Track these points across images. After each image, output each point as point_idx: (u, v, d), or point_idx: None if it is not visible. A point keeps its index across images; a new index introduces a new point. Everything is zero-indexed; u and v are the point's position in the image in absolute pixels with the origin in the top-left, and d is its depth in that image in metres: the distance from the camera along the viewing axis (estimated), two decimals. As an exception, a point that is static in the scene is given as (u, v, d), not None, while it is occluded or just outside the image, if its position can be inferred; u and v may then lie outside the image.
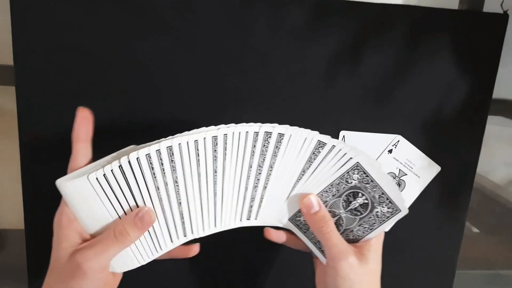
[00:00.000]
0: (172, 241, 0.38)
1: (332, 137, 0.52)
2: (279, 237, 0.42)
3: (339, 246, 0.37)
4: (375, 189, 0.37)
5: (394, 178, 0.55)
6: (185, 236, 0.38)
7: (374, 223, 0.38)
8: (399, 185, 0.55)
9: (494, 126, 0.60)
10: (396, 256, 0.57)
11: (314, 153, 0.37)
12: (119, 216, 0.36)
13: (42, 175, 0.49)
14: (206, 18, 0.48)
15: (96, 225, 0.35)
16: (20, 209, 0.50)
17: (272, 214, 0.40)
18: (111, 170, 0.34)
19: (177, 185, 0.35)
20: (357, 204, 0.38)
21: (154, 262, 0.38)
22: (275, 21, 0.49)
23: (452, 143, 0.55)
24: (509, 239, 0.78)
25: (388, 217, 0.38)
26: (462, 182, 0.56)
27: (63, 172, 0.49)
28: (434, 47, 0.51)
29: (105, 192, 0.34)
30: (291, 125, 0.51)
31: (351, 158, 0.36)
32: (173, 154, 0.34)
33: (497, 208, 0.81)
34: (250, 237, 0.50)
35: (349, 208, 0.38)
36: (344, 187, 0.37)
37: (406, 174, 0.55)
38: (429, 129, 0.54)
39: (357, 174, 0.37)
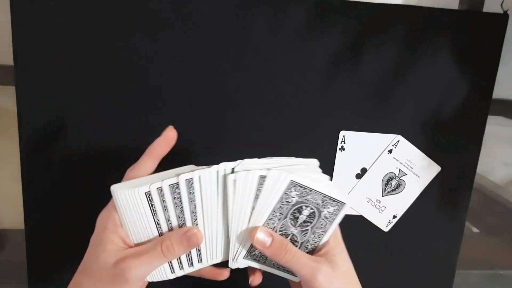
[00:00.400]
0: (212, 259, 0.39)
1: (332, 137, 0.53)
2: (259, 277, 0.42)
3: (308, 264, 0.36)
4: (316, 196, 0.37)
5: (394, 178, 0.55)
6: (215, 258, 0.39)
7: (325, 225, 0.38)
8: (399, 185, 0.55)
9: (494, 126, 0.60)
10: (396, 256, 0.57)
11: (258, 188, 0.36)
12: (162, 231, 0.36)
13: (42, 175, 0.49)
14: (206, 17, 0.48)
15: (140, 234, 0.36)
16: (20, 209, 0.50)
17: (226, 257, 0.39)
18: (163, 187, 0.35)
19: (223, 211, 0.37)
20: (304, 217, 0.38)
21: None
22: (275, 21, 0.49)
23: (452, 143, 0.55)
24: (509, 239, 0.78)
25: (336, 214, 0.38)
26: (462, 182, 0.56)
27: (63, 172, 0.49)
28: (434, 47, 0.51)
29: (155, 206, 0.35)
30: (291, 125, 0.52)
31: (283, 179, 0.36)
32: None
33: (497, 208, 0.81)
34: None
35: (298, 223, 0.38)
36: (286, 208, 0.37)
37: (406, 174, 0.55)
38: (429, 129, 0.54)
39: (295, 191, 0.36)
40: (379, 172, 0.54)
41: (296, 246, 0.38)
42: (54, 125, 0.48)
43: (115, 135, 0.49)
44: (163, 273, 0.38)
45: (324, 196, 0.37)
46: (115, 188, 0.35)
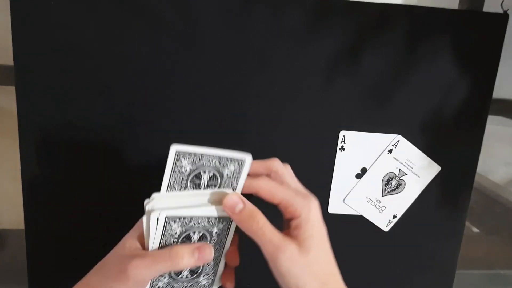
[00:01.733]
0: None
1: (332, 137, 0.53)
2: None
3: (274, 240, 0.34)
4: (199, 220, 0.36)
5: (394, 178, 0.55)
6: None
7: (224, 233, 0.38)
8: (399, 185, 0.55)
9: (494, 126, 0.60)
10: (396, 256, 0.57)
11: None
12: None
13: (42, 175, 0.49)
14: (206, 18, 0.48)
15: (156, 247, 0.37)
16: (20, 209, 0.50)
17: None
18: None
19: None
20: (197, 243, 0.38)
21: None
22: (276, 21, 0.49)
23: (452, 143, 0.55)
24: (509, 239, 0.78)
25: (227, 228, 0.38)
26: (462, 182, 0.56)
27: (63, 172, 0.49)
28: (434, 47, 0.51)
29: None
30: (291, 125, 0.52)
31: (160, 219, 0.35)
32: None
33: (497, 208, 0.81)
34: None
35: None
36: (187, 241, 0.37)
37: (406, 174, 0.55)
38: (429, 129, 0.54)
39: (176, 223, 0.36)
40: (379, 172, 0.54)
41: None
42: (54, 125, 0.48)
43: (115, 135, 0.49)
44: None
45: (209, 218, 0.36)
46: (149, 208, 0.35)
